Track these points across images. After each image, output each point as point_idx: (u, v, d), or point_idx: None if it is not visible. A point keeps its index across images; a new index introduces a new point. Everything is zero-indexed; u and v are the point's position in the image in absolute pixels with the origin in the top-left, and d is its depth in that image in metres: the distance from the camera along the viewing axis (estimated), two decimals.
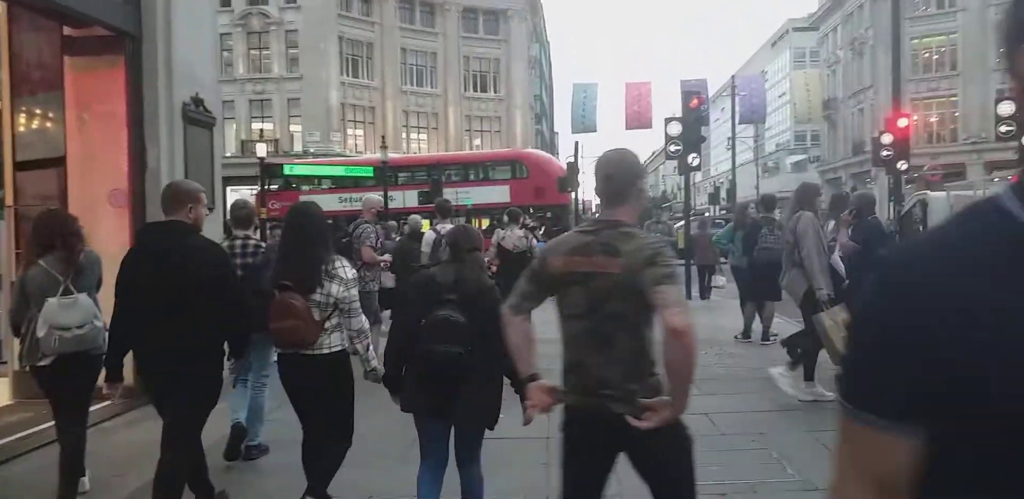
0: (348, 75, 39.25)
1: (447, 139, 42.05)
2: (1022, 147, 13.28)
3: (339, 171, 25.31)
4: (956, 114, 42.40)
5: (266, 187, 25.94)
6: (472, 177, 24.41)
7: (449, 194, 20.76)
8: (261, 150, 25.03)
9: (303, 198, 26.02)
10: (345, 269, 3.74)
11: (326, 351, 3.69)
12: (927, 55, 43.32)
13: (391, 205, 20.66)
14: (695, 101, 14.14)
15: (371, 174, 23.34)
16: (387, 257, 7.79)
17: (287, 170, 25.01)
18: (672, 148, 13.78)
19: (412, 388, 3.35)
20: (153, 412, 3.93)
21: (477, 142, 43.23)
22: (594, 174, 2.65)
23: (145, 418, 4.87)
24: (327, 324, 3.68)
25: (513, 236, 8.47)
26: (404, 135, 41.42)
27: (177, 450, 3.64)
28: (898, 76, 19.35)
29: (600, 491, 2.54)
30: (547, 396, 2.58)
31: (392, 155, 26.38)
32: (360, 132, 39.77)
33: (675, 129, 13.87)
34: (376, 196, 9.12)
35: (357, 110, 39.82)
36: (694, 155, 13.94)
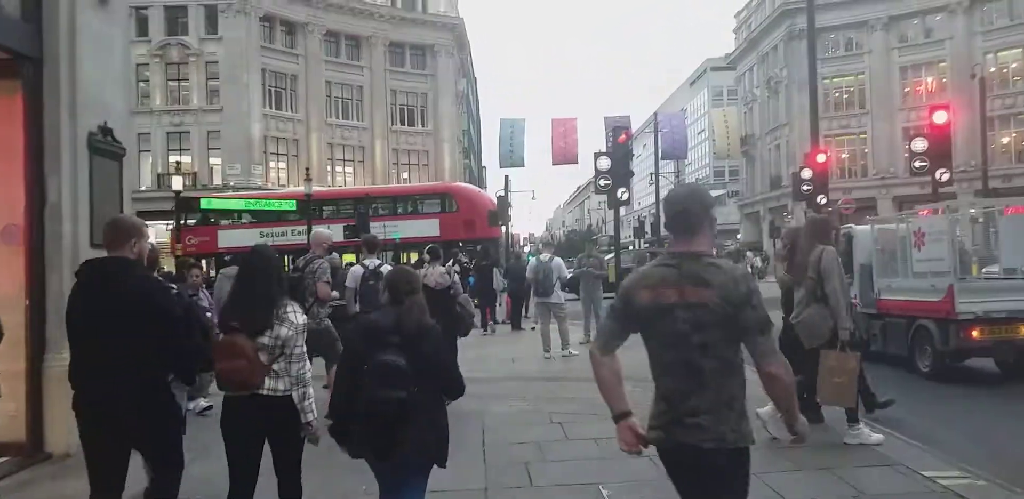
0: (271, 107, 38.56)
1: (374, 172, 41.61)
2: (935, 182, 13.77)
3: (259, 205, 24.49)
4: (866, 150, 44.38)
5: (183, 222, 24.96)
6: (401, 210, 24.06)
7: (377, 228, 20.35)
8: (177, 183, 24.08)
9: (222, 233, 25.34)
10: (296, 314, 3.71)
11: (279, 394, 3.61)
12: (838, 94, 45.38)
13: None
14: (623, 136, 14.24)
15: (293, 208, 22.68)
16: (336, 294, 7.52)
17: (205, 204, 24.09)
18: (602, 182, 13.78)
19: (358, 434, 3.33)
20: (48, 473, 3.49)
21: (405, 176, 42.91)
22: (664, 211, 2.78)
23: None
24: (276, 366, 3.61)
25: (435, 273, 8.30)
26: (329, 168, 40.79)
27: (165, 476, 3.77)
28: (815, 114, 20.05)
29: None
30: (634, 437, 2.74)
31: (316, 188, 25.81)
32: (283, 165, 38.98)
33: (604, 164, 13.89)
34: (326, 230, 8.70)
35: (280, 142, 39.06)
36: (623, 189, 13.97)
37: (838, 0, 42.05)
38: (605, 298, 13.39)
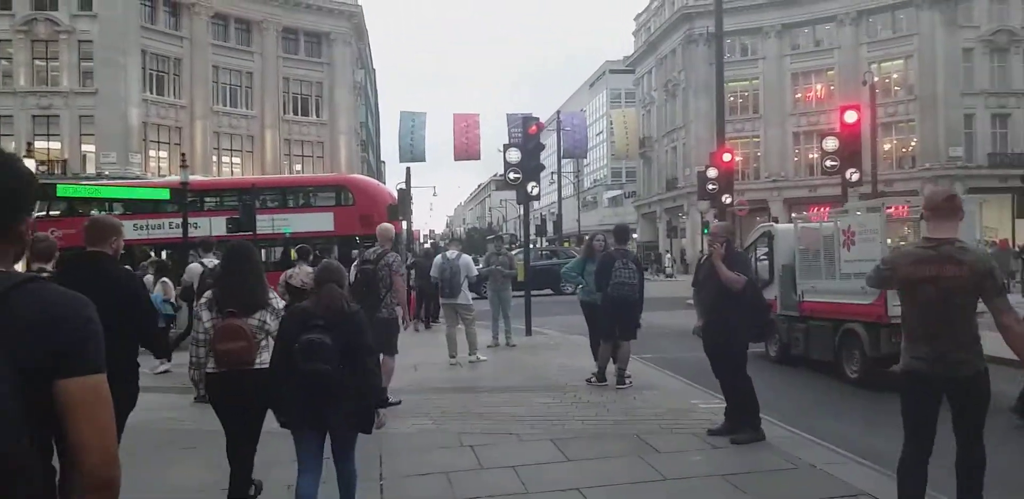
0: (152, 92, 35.82)
1: (264, 164, 39.40)
2: (845, 181, 13.64)
3: (125, 193, 22.11)
4: (759, 154, 45.50)
5: (47, 213, 22.44)
6: (292, 203, 22.39)
7: (265, 221, 18.78)
8: (32, 167, 21.40)
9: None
10: (276, 300, 4.40)
11: (265, 366, 4.10)
12: (732, 98, 46.26)
13: (193, 232, 18.29)
14: (534, 127, 13.43)
15: (167, 197, 20.61)
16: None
17: (61, 191, 21.46)
18: (511, 176, 12.93)
19: (290, 404, 3.85)
20: None
21: (298, 168, 40.85)
22: (925, 206, 3.93)
23: None
24: (261, 344, 4.20)
25: (302, 273, 7.62)
26: (215, 158, 38.33)
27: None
28: (722, 114, 19.99)
29: (936, 419, 3.81)
30: None
31: (197, 178, 23.81)
32: (164, 154, 36.25)
33: (514, 156, 13.05)
34: (389, 225, 8.28)
35: (161, 130, 36.36)
36: (533, 183, 13.17)
37: (735, 6, 42.85)
38: (514, 298, 12.57)
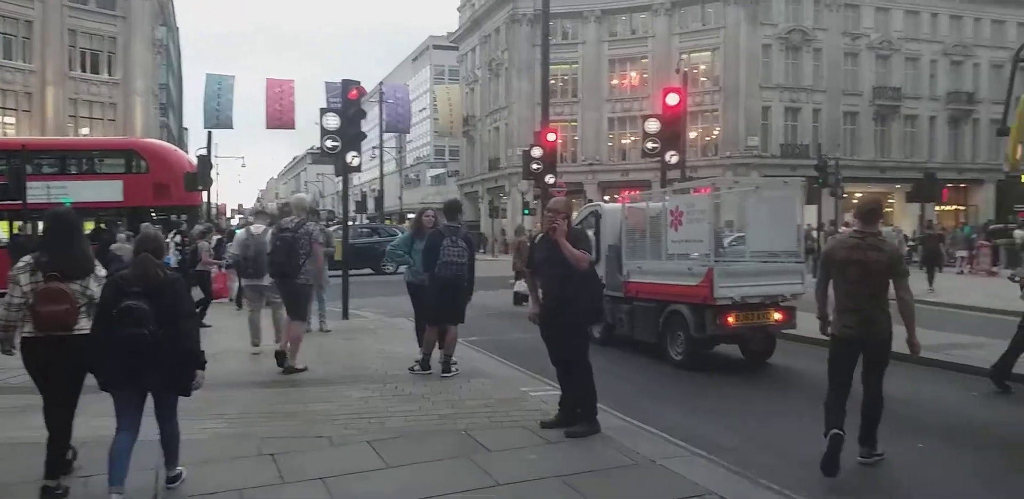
0: None
1: (44, 125, 34.80)
2: (664, 164, 13.79)
3: None
4: (576, 138, 46.50)
5: None
6: (74, 169, 19.72)
7: (39, 189, 16.36)
8: None
9: None
10: (99, 267, 4.46)
11: (85, 332, 4.17)
12: (553, 82, 46.69)
13: None
14: (355, 91, 12.37)
15: None
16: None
17: None
18: (329, 144, 11.85)
19: (109, 366, 4.03)
20: None
21: (85, 131, 36.47)
22: (858, 206, 5.31)
23: None
24: (81, 310, 4.24)
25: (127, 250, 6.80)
26: None
27: None
28: (546, 95, 19.85)
29: (852, 372, 5.09)
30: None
31: None
32: None
33: (332, 122, 11.98)
34: (306, 195, 8.28)
35: None
36: (354, 153, 12.17)
37: None
38: (331, 278, 11.59)
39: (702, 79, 43.55)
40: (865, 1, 44.03)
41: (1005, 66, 46.59)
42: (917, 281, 17.17)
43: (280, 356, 7.80)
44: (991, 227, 27.31)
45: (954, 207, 44.67)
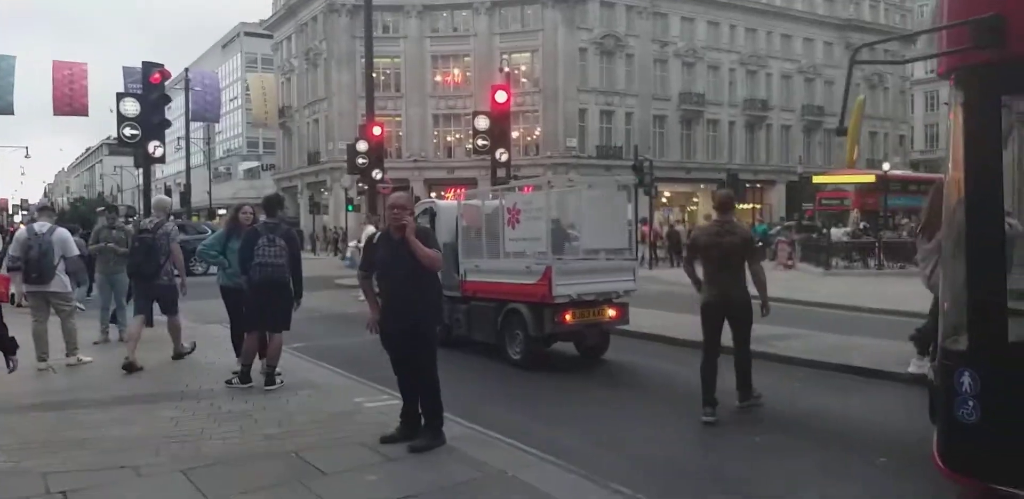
0: None
1: None
2: (494, 162, 13.68)
3: None
4: (400, 133, 45.75)
5: None
6: None
7: None
8: None
9: None
10: None
11: None
12: (375, 75, 45.83)
13: None
14: (157, 75, 11.16)
15: None
16: None
17: None
18: (128, 132, 10.62)
19: None
20: None
21: None
22: (715, 200, 6.68)
23: None
24: None
25: None
26: None
27: None
28: (371, 88, 19.24)
29: (720, 333, 6.25)
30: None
31: None
32: None
33: (131, 108, 10.76)
34: (167, 197, 9.77)
35: None
36: (157, 143, 11.00)
37: None
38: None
39: (523, 80, 44.30)
40: (672, 10, 46.74)
41: (793, 77, 51.54)
42: None
43: (130, 366, 7.64)
44: (804, 223, 29.35)
45: (751, 205, 48.55)
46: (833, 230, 25.33)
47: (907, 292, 10.35)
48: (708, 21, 48.06)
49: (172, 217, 9.89)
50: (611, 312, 8.43)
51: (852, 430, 5.94)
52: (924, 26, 66.98)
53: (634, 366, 8.67)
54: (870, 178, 28.90)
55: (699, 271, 6.32)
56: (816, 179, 32.45)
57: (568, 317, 8.02)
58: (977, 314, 3.54)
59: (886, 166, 32.62)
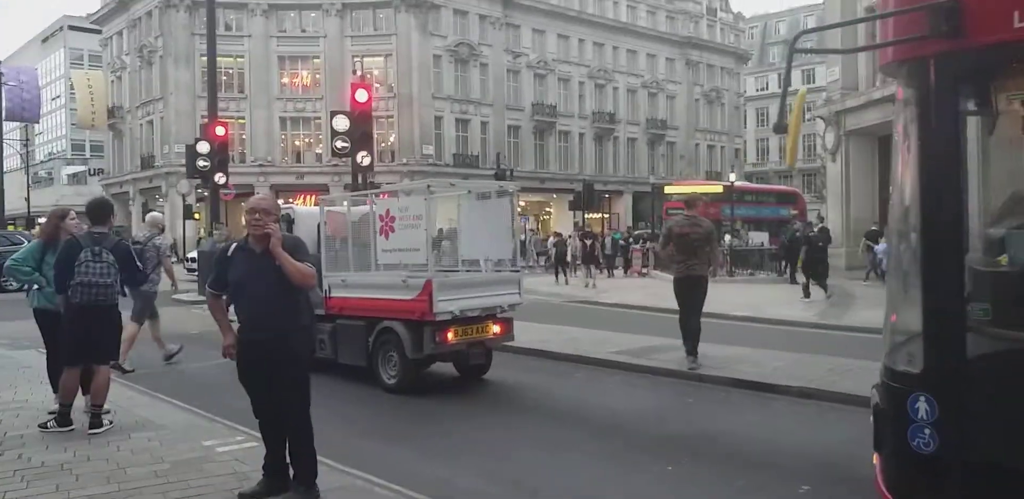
0: None
1: None
2: (356, 166, 12.73)
3: None
4: (244, 136, 43.22)
5: None
6: None
7: None
8: None
9: None
10: None
11: None
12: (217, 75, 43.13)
13: None
14: None
15: None
16: None
17: None
18: None
19: None
20: None
21: None
22: (685, 201, 9.55)
23: None
24: None
25: None
26: None
27: None
28: (214, 87, 17.73)
29: (689, 299, 8.44)
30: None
31: None
32: None
33: None
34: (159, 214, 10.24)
35: None
36: None
37: None
38: None
39: (376, 85, 43.09)
40: (524, 22, 47.15)
41: (638, 91, 53.42)
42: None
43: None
44: (662, 232, 29.92)
45: (601, 214, 49.58)
46: (727, 237, 25.94)
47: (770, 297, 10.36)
48: (558, 34, 48.86)
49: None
50: (496, 328, 7.75)
51: (763, 453, 5.59)
52: (754, 47, 71.90)
53: (520, 386, 8.02)
54: (718, 189, 30.06)
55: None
56: (667, 189, 33.47)
57: (450, 335, 7.28)
58: (933, 330, 3.17)
59: (732, 177, 34.16)
